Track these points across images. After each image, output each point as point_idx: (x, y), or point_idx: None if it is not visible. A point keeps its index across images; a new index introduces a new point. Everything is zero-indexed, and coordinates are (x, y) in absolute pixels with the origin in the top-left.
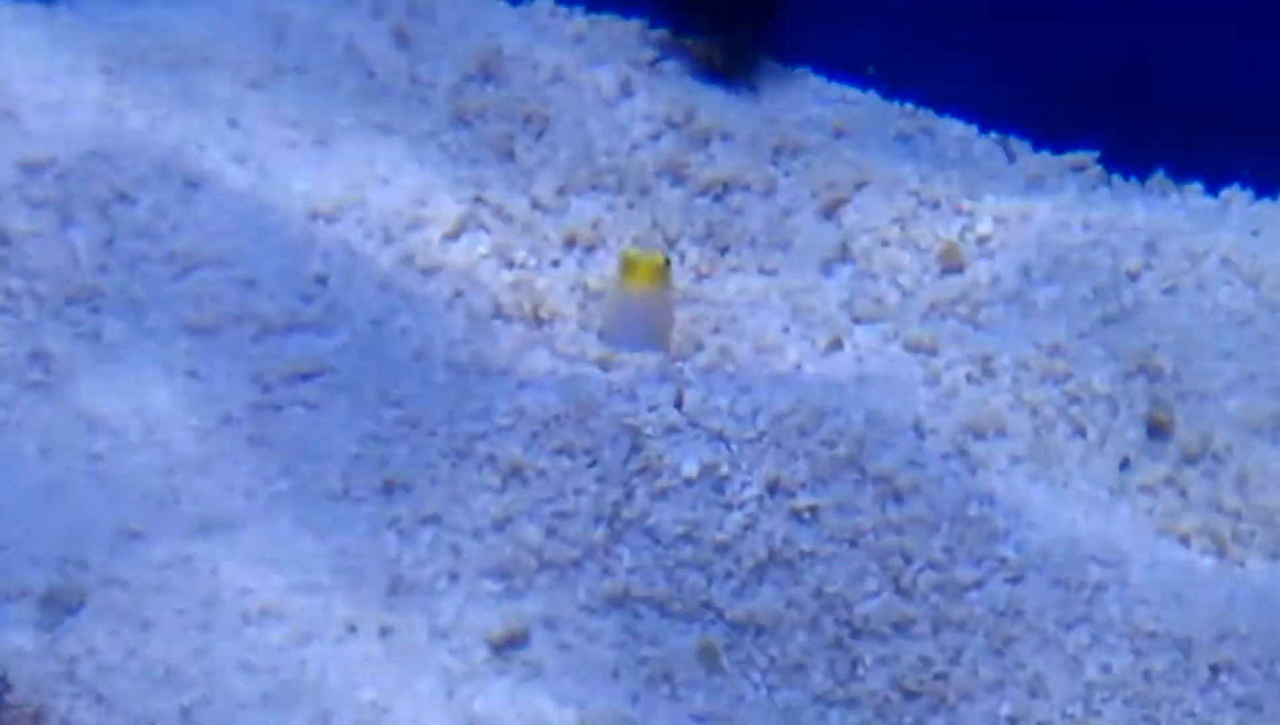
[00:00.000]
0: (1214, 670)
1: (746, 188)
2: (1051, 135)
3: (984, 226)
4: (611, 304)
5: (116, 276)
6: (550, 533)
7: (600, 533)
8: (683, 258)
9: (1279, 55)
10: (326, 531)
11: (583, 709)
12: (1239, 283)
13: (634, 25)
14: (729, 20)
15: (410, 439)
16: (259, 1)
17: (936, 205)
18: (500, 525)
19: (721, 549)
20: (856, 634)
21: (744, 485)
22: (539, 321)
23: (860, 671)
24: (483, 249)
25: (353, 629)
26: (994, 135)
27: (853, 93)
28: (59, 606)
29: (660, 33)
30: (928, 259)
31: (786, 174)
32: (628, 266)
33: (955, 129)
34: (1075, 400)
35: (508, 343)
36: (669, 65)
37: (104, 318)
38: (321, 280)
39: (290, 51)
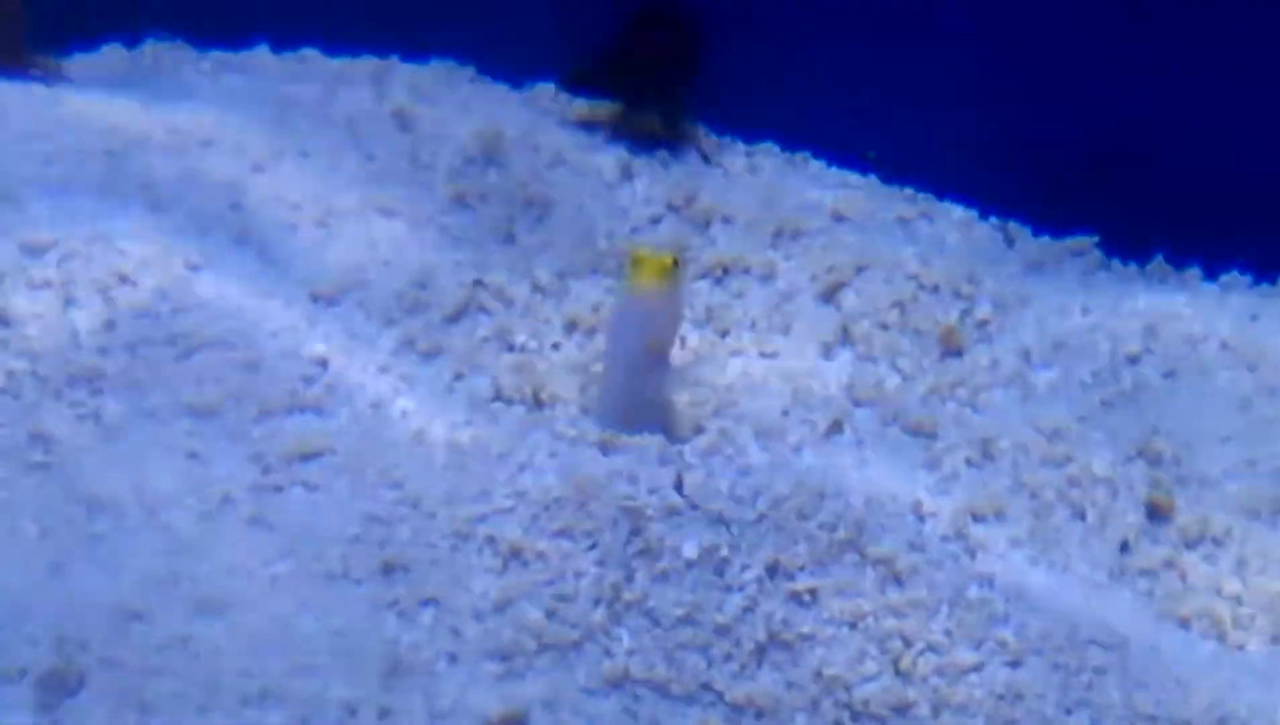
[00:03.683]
0: None
1: (747, 271)
2: (1051, 220)
3: (983, 310)
4: (618, 303)
5: (117, 358)
6: (550, 614)
7: (600, 615)
8: (683, 341)
9: (1277, 141)
10: (326, 613)
11: None
12: (1238, 367)
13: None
14: (652, 92)
15: (410, 520)
16: (261, 84)
17: (936, 289)
18: (500, 607)
19: (721, 631)
20: (856, 716)
21: (744, 567)
22: (539, 404)
23: None
24: (483, 332)
25: (352, 711)
26: (993, 220)
27: (853, 177)
28: (58, 687)
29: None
30: (927, 343)
31: (787, 257)
32: (636, 265)
33: (955, 213)
34: (1075, 483)
35: (508, 425)
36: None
37: (105, 399)
38: (322, 362)
39: (292, 134)
